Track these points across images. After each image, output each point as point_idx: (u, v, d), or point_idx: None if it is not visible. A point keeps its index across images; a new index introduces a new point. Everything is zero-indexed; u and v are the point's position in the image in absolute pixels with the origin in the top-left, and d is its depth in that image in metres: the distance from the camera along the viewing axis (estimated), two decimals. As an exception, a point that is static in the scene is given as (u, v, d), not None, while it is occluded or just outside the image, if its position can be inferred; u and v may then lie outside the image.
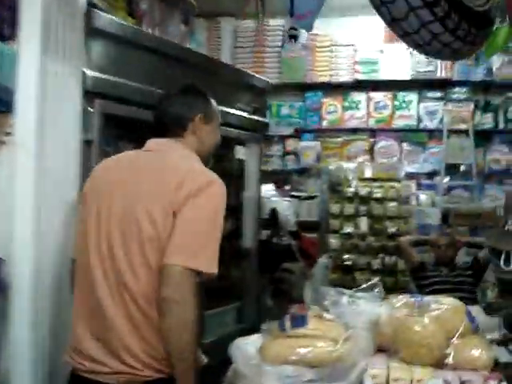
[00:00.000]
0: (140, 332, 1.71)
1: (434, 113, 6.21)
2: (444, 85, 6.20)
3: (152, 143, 1.94)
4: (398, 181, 5.73)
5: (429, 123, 6.22)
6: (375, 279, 1.83)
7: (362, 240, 5.56)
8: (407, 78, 6.15)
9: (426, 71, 6.14)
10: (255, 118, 3.68)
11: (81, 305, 1.83)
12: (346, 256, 5.50)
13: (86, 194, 1.93)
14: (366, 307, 1.56)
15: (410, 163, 6.14)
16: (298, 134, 6.38)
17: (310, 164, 6.16)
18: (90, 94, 2.40)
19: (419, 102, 6.24)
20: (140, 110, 2.65)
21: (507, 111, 6.08)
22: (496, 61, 6.08)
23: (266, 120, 3.88)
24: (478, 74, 6.10)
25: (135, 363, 1.69)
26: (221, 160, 3.35)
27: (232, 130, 3.37)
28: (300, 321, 1.49)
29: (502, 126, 6.10)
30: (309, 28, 2.53)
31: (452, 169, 6.09)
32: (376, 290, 1.64)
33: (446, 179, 6.02)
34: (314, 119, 6.36)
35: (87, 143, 2.40)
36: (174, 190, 1.71)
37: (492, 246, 2.04)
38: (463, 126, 6.06)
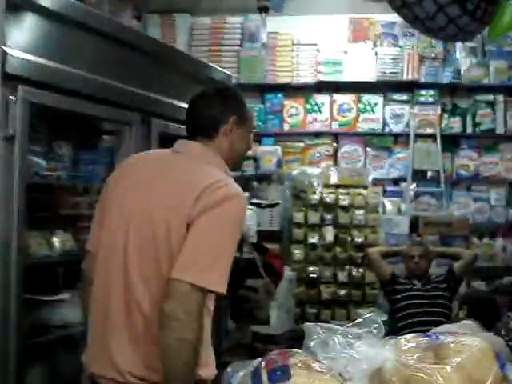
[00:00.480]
0: (140, 345, 1.68)
1: (400, 116, 5.92)
2: (410, 87, 5.93)
3: (181, 145, 1.88)
4: (365, 187, 5.41)
5: (394, 127, 5.92)
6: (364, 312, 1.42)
7: (328, 251, 5.20)
8: (372, 79, 5.85)
9: (391, 73, 5.85)
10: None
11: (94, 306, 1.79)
12: (310, 268, 5.14)
13: (109, 184, 1.88)
14: (366, 351, 1.16)
15: (375, 169, 5.84)
16: (258, 138, 5.99)
17: (270, 170, 5.77)
18: (12, 78, 1.95)
19: (384, 104, 5.94)
20: (77, 101, 2.23)
21: (475, 115, 5.84)
22: (464, 63, 5.85)
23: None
24: (446, 77, 5.85)
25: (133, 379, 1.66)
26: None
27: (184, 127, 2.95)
28: (281, 374, 1.08)
29: (469, 130, 5.86)
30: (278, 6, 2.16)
31: (419, 175, 5.80)
32: (374, 327, 1.24)
33: (413, 186, 5.72)
34: (274, 122, 5.99)
35: (8, 140, 1.95)
36: (192, 204, 1.65)
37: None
38: (430, 131, 5.79)
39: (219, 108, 1.88)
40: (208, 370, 1.73)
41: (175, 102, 2.87)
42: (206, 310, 1.66)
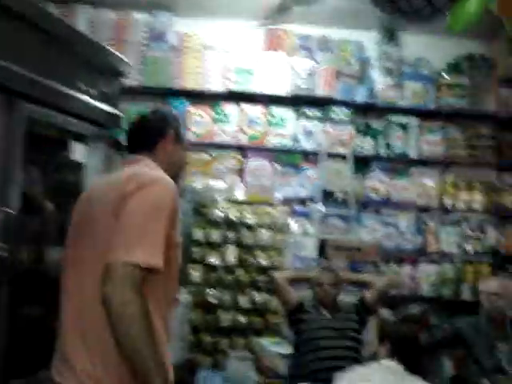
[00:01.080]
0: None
1: (312, 133, 5.60)
2: (324, 104, 5.63)
3: (123, 160, 2.03)
4: (272, 205, 5.01)
5: (305, 144, 5.59)
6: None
7: (229, 273, 4.73)
8: (285, 92, 5.50)
9: (305, 87, 5.53)
10: (104, 107, 2.73)
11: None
12: (208, 291, 4.65)
13: (77, 204, 1.99)
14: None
15: (283, 187, 5.47)
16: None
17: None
18: None
19: (296, 120, 5.61)
20: None
21: (388, 136, 5.62)
22: (379, 82, 5.63)
23: (119, 112, 2.91)
24: (361, 95, 5.60)
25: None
26: (49, 161, 2.39)
27: (69, 119, 2.41)
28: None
29: (382, 151, 5.63)
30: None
31: (328, 196, 5.48)
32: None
33: (322, 207, 5.39)
34: (178, 130, 5.50)
35: None
36: (120, 194, 1.75)
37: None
38: (342, 150, 5.51)
39: (158, 124, 2.05)
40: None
41: (55, 86, 2.32)
42: (156, 310, 1.73)
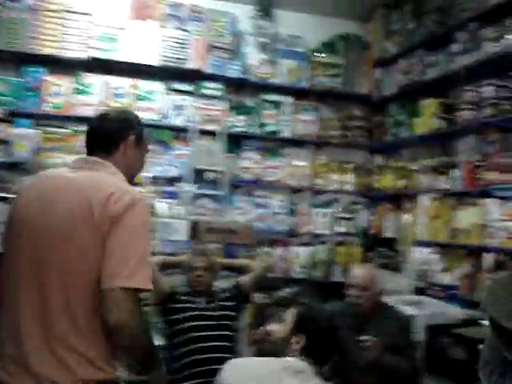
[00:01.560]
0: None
1: (182, 109, 5.28)
2: (195, 77, 5.31)
3: (79, 161, 1.96)
4: (140, 185, 4.64)
5: (175, 120, 5.25)
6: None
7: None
8: (153, 63, 5.11)
9: (176, 58, 5.18)
10: None
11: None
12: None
13: (16, 199, 1.92)
14: None
15: (152, 166, 5.10)
16: (11, 117, 4.87)
17: (24, 157, 4.70)
18: None
19: (166, 93, 5.25)
20: None
21: (261, 115, 5.43)
22: (253, 58, 5.41)
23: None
24: (234, 71, 5.34)
25: None
26: None
27: None
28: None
29: (255, 130, 5.43)
30: None
31: (199, 175, 5.19)
32: None
33: (193, 187, 5.10)
34: (32, 101, 4.92)
35: None
36: (99, 212, 1.74)
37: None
38: (214, 128, 5.24)
39: (120, 126, 2.01)
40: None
41: None
42: None
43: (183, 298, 3.49)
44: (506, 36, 3.92)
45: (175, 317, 3.40)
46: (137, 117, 2.13)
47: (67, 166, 1.95)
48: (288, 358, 2.10)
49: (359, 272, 3.47)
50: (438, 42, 4.66)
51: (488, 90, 4.06)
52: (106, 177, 1.87)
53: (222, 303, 3.50)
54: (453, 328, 3.69)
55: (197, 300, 3.47)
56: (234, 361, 2.14)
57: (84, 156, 1.97)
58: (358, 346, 3.15)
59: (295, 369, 2.01)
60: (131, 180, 2.03)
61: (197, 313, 3.39)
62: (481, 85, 4.14)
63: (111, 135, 1.98)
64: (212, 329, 3.33)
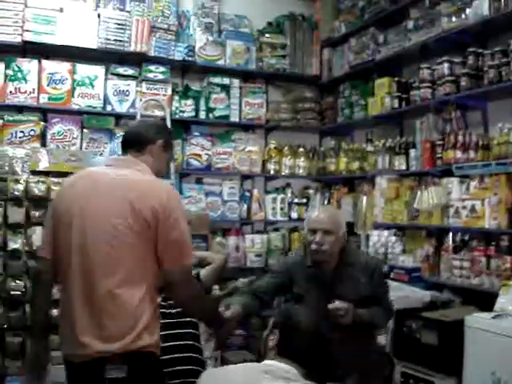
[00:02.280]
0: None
1: (125, 94, 4.99)
2: (138, 61, 5.03)
3: (112, 160, 2.48)
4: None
5: (118, 106, 4.96)
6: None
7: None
8: (93, 46, 4.80)
9: (116, 41, 4.88)
10: None
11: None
12: (12, 284, 3.83)
13: (54, 210, 2.21)
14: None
15: (94, 155, 4.80)
16: None
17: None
18: None
19: (106, 78, 4.95)
20: None
21: (209, 99, 5.21)
22: (198, 39, 5.16)
23: None
24: (179, 53, 5.09)
25: None
26: None
27: None
28: None
29: (202, 115, 5.20)
30: None
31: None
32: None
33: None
34: (-39, 89, 4.55)
35: None
36: (150, 206, 2.03)
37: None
38: (159, 113, 4.97)
39: (151, 130, 2.31)
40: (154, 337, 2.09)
41: None
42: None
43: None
44: (462, 11, 3.84)
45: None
46: (167, 126, 2.65)
47: (104, 164, 2.34)
48: (267, 361, 1.88)
49: (320, 214, 2.91)
50: (391, 20, 4.56)
51: (444, 67, 3.99)
52: (137, 173, 2.16)
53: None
54: (420, 311, 3.63)
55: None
56: (209, 371, 1.96)
57: (117, 157, 2.44)
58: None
59: (276, 372, 1.79)
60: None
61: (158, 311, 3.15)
62: (437, 62, 4.06)
63: (142, 137, 2.28)
64: (174, 327, 3.11)
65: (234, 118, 5.30)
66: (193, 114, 5.17)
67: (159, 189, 2.10)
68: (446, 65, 3.98)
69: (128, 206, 2.02)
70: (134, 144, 2.26)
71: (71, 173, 4.13)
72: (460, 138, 3.85)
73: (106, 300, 1.99)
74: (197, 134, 5.20)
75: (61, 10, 4.74)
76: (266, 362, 1.86)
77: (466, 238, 3.83)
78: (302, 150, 5.47)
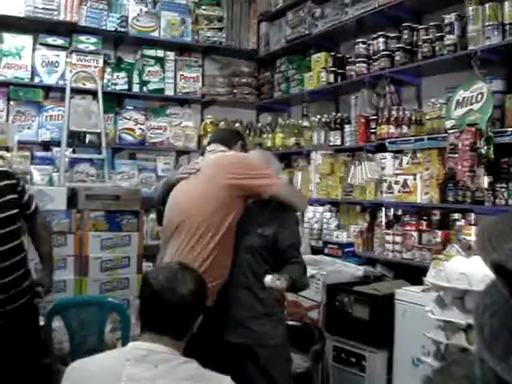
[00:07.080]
0: None
1: (55, 65, 4.78)
2: (69, 31, 4.83)
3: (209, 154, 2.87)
4: (9, 150, 4.15)
5: (47, 78, 4.76)
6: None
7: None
8: (19, 14, 4.57)
9: (45, 9, 4.66)
10: None
11: None
12: None
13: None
14: None
15: (22, 128, 4.60)
16: None
17: None
18: None
19: (34, 49, 4.73)
20: None
21: (143, 72, 5.05)
22: (131, 10, 4.99)
23: None
24: (111, 23, 4.90)
25: None
26: None
27: None
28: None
29: (136, 89, 5.04)
30: None
31: (76, 138, 4.73)
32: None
33: (69, 151, 4.64)
34: None
35: None
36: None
37: None
38: (91, 86, 4.79)
39: (233, 135, 3.00)
40: None
41: None
42: None
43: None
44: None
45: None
46: (243, 135, 3.37)
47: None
48: (132, 343, 1.68)
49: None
50: (328, -6, 4.50)
51: (380, 42, 3.97)
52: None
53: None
54: (352, 286, 3.63)
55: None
56: (74, 364, 1.71)
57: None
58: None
59: (136, 355, 1.58)
60: None
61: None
62: (372, 37, 4.03)
63: (228, 137, 2.87)
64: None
65: (169, 92, 5.16)
66: (126, 86, 5.01)
67: None
68: (381, 39, 3.96)
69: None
70: (222, 141, 2.82)
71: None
72: (394, 113, 3.85)
73: None
74: (130, 107, 5.04)
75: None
76: (132, 343, 1.67)
77: (399, 212, 3.85)
78: (238, 125, 5.38)
